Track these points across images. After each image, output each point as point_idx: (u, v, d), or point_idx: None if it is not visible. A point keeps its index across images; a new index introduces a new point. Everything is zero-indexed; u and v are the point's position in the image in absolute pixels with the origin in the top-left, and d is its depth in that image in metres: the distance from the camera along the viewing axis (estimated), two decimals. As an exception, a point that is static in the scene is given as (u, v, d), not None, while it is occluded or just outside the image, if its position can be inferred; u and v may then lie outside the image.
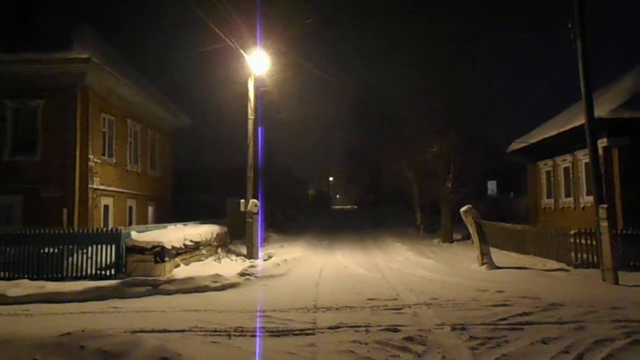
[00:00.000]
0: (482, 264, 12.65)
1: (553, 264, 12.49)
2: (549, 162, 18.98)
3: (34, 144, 14.84)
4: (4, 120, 14.77)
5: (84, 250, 11.44)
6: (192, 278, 10.54)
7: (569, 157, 17.26)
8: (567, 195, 17.58)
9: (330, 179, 72.68)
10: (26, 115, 14.97)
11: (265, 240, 20.00)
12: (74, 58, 14.43)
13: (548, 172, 19.30)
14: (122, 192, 17.47)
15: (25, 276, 10.94)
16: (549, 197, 19.30)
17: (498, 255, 13.93)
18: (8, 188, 14.48)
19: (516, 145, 20.44)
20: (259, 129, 17.49)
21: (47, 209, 14.14)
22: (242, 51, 15.32)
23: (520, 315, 7.21)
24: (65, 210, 14.17)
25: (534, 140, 18.76)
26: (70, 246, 11.45)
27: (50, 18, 16.53)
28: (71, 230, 12.32)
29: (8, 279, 10.84)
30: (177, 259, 12.21)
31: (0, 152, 14.81)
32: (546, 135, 17.60)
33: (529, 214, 20.82)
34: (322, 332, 6.50)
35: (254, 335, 6.39)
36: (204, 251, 14.50)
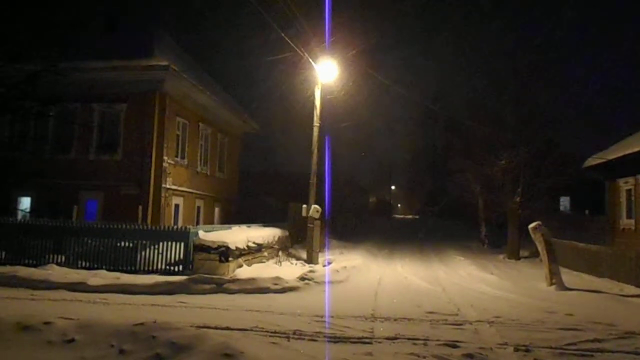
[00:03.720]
0: (551, 284, 12.03)
1: (631, 289, 11.63)
2: (631, 180, 17.70)
3: (116, 144, 16.00)
4: (91, 122, 16.04)
5: (156, 246, 12.13)
6: (254, 279, 10.87)
7: (653, 176, 16.03)
8: (650, 216, 16.31)
9: (392, 187, 71.82)
10: (110, 118, 16.18)
11: (326, 246, 20.16)
12: (155, 65, 15.39)
13: (629, 191, 18.00)
14: (191, 193, 18.33)
15: (103, 267, 11.79)
16: (629, 217, 17.98)
17: (569, 276, 13.18)
18: (92, 184, 15.72)
19: (593, 161, 19.23)
20: (325, 136, 17.70)
21: (125, 206, 15.14)
22: (310, 60, 15.63)
23: (592, 341, 6.79)
24: (140, 208, 15.08)
25: (613, 157, 17.58)
26: (144, 241, 12.18)
27: (134, 26, 17.77)
28: (145, 227, 13.11)
29: (88, 268, 11.76)
30: (240, 260, 12.62)
31: (87, 151, 16.10)
32: (627, 152, 16.44)
33: (606, 233, 19.49)
34: (379, 342, 6.49)
35: (313, 340, 6.50)
36: (265, 253, 14.87)
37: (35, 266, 11.55)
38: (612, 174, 18.98)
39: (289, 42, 14.51)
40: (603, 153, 18.82)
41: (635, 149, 15.88)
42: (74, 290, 9.81)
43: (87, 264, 12.03)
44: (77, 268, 11.75)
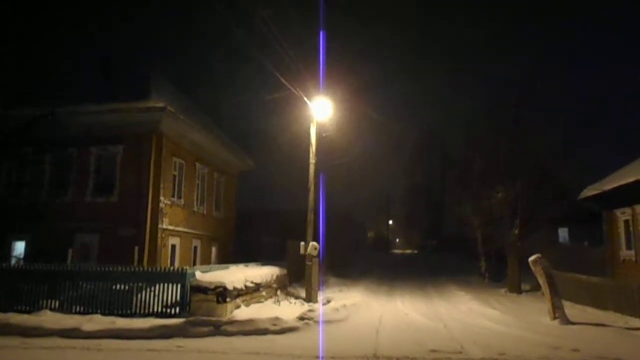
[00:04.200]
0: (554, 318, 11.84)
1: (636, 322, 11.45)
2: (627, 210, 17.73)
3: (112, 186, 16.00)
4: (88, 164, 16.08)
5: (152, 288, 11.92)
6: (252, 320, 10.65)
7: (650, 206, 16.08)
8: (650, 246, 16.26)
9: (390, 222, 71.63)
10: (107, 160, 16.25)
11: (324, 283, 19.87)
12: (152, 107, 15.60)
13: (626, 221, 18.00)
14: (188, 232, 18.21)
15: (98, 311, 11.52)
16: (628, 248, 17.92)
17: (572, 310, 12.99)
18: (88, 227, 15.60)
19: (589, 191, 19.32)
20: (320, 173, 17.78)
21: (121, 247, 14.99)
22: (305, 98, 15.87)
23: (599, 377, 6.64)
24: (136, 249, 14.94)
25: (608, 187, 17.69)
26: (140, 284, 11.97)
27: (131, 68, 18.09)
28: (141, 269, 12.93)
29: (82, 313, 11.48)
30: (238, 300, 12.40)
31: (83, 194, 16.07)
32: (623, 182, 16.55)
33: (606, 265, 19.35)
34: (382, 384, 6.31)
35: (313, 383, 6.31)
36: (263, 293, 14.64)
37: (28, 312, 11.29)
38: (609, 204, 19.03)
39: (284, 82, 14.78)
40: (599, 184, 18.92)
41: (631, 180, 16.00)
42: (68, 337, 9.56)
43: (82, 309, 11.76)
44: (72, 313, 11.48)
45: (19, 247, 15.94)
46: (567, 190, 21.74)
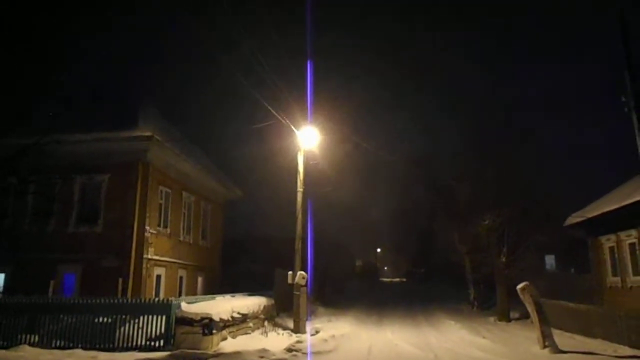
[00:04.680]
0: (544, 346, 11.75)
1: (625, 350, 11.42)
2: (612, 237, 17.92)
3: (96, 216, 15.75)
4: (72, 194, 15.84)
5: (136, 321, 11.62)
6: (239, 352, 10.43)
7: (634, 233, 16.26)
8: (636, 273, 16.37)
9: (378, 250, 71.38)
10: (91, 189, 16.05)
11: (313, 313, 19.59)
12: (138, 136, 15.54)
13: (611, 248, 18.16)
14: (174, 262, 17.92)
15: (79, 345, 11.17)
16: (614, 275, 18.01)
17: (561, 338, 12.92)
18: (70, 258, 15.26)
19: (574, 219, 19.52)
20: (308, 202, 17.74)
21: (104, 278, 14.67)
22: (292, 127, 15.98)
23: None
24: (121, 280, 14.62)
25: (592, 215, 17.90)
26: (123, 316, 11.67)
27: (118, 97, 18.07)
28: (125, 300, 12.61)
29: (63, 347, 11.12)
30: (224, 332, 12.14)
31: (66, 224, 15.77)
32: (606, 209, 16.77)
33: (594, 292, 19.41)
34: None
35: (301, 419, 6.13)
36: (250, 324, 14.36)
37: (6, 348, 10.91)
38: (594, 231, 19.22)
39: (272, 110, 14.88)
40: (583, 211, 19.15)
41: (614, 207, 16.22)
42: (47, 373, 9.22)
43: (62, 343, 11.38)
44: (51, 348, 11.10)
45: (-1, 280, 15.49)
46: (554, 217, 21.97)
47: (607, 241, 18.38)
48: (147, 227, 15.70)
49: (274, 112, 15.00)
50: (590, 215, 18.13)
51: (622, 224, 16.67)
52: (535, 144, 20.95)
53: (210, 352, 10.57)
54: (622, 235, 17.08)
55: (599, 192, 19.85)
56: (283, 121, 15.56)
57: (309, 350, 11.15)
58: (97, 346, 11.20)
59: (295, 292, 15.21)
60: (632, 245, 16.56)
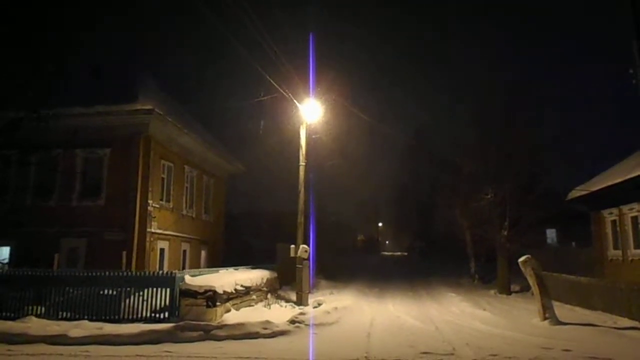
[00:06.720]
0: (544, 318, 11.88)
1: (625, 322, 11.54)
2: (614, 210, 17.92)
3: (99, 189, 15.75)
4: (74, 168, 15.82)
5: (140, 293, 11.75)
6: (242, 324, 10.54)
7: (636, 206, 16.25)
8: (637, 246, 16.42)
9: (380, 224, 71.76)
10: (94, 163, 15.99)
11: (315, 286, 19.80)
12: (139, 109, 15.39)
13: (613, 222, 18.19)
14: (177, 236, 18.01)
15: (85, 317, 11.33)
16: (615, 248, 18.10)
17: (561, 310, 13.06)
18: (74, 231, 15.32)
19: (577, 193, 19.49)
20: (310, 176, 17.71)
21: (108, 252, 14.75)
22: (295, 101, 15.82)
23: (591, 377, 6.65)
24: (124, 253, 14.71)
25: (595, 188, 17.85)
26: (128, 288, 11.80)
27: (118, 71, 17.81)
28: (129, 273, 12.72)
29: (69, 319, 11.27)
30: (228, 304, 12.27)
31: (69, 198, 15.80)
32: (610, 183, 16.72)
33: (594, 265, 19.54)
34: (375, 387, 6.25)
35: (305, 388, 6.24)
36: (254, 296, 14.52)
37: (13, 319, 11.04)
38: (596, 205, 19.21)
39: (274, 84, 14.71)
40: (586, 185, 19.11)
41: (617, 180, 16.16)
42: (54, 344, 9.36)
43: (69, 315, 11.56)
44: (58, 319, 11.26)
45: (4, 253, 15.60)
46: (555, 191, 21.93)
47: (610, 215, 18.39)
48: (150, 201, 15.71)
49: (277, 86, 14.84)
50: (593, 188, 18.09)
51: (626, 197, 16.64)
52: (537, 120, 20.71)
53: (214, 323, 10.70)
54: (625, 208, 17.07)
55: (604, 165, 19.67)
56: (286, 95, 15.40)
57: (311, 322, 11.27)
58: (103, 317, 11.36)
59: (297, 266, 15.32)
60: (634, 218, 16.57)
